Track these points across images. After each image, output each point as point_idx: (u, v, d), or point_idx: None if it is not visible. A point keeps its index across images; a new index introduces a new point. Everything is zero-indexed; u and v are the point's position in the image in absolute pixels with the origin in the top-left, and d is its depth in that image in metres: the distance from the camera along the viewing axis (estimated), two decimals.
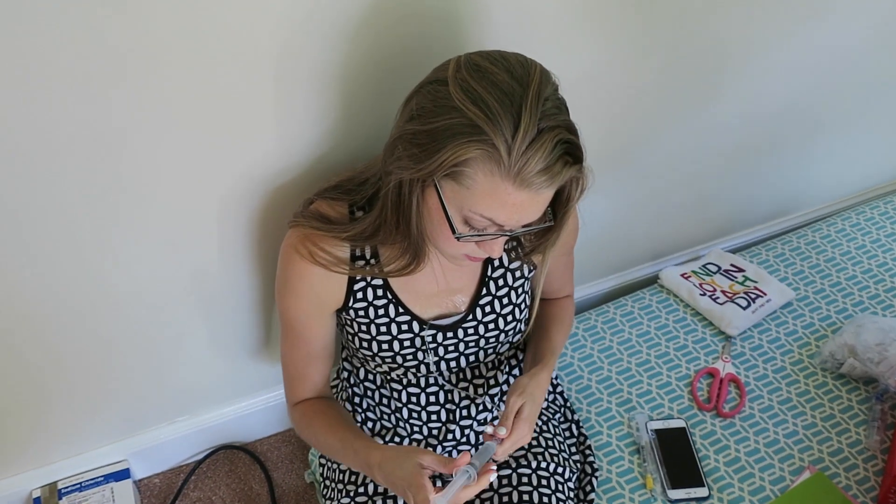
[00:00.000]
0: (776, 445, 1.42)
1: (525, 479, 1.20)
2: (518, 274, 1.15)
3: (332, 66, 1.06)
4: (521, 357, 1.30)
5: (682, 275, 1.72)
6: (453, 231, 0.91)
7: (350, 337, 1.16)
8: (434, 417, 1.25)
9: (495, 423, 1.06)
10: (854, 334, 1.51)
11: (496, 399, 1.27)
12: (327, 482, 1.28)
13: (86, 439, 1.46)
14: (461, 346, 1.16)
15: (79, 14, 0.88)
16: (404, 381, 1.21)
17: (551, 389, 1.39)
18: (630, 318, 1.65)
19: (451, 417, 1.25)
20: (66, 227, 1.10)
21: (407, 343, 1.13)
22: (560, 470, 1.24)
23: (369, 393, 1.28)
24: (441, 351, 1.16)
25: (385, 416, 1.27)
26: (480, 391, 1.26)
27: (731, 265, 1.75)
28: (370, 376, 1.26)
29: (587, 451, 1.37)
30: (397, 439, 1.26)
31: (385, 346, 1.13)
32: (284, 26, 0.99)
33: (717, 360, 1.56)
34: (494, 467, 0.98)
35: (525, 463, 1.22)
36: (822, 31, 1.49)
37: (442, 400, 1.24)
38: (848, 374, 1.51)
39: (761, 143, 1.68)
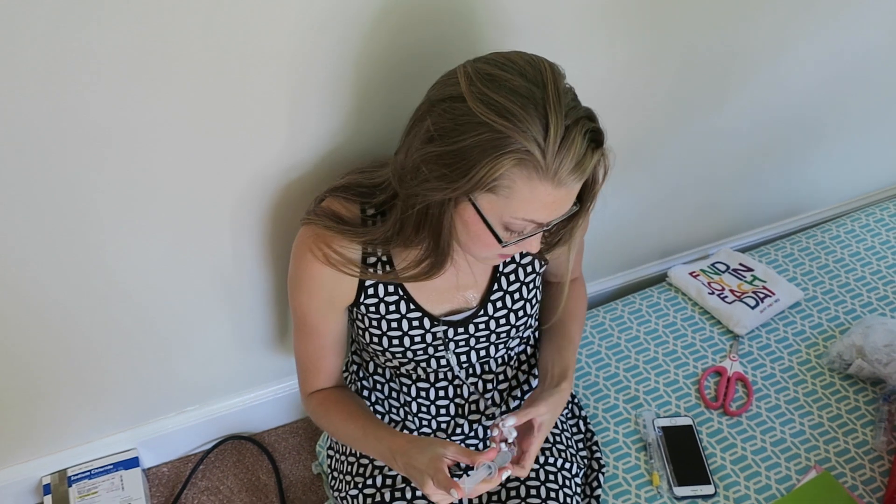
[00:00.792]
0: (783, 444, 1.42)
1: (532, 475, 1.21)
2: (529, 269, 1.16)
3: (345, 63, 1.07)
4: (530, 352, 1.30)
5: (691, 273, 1.72)
6: (499, 241, 0.93)
7: (361, 332, 1.16)
8: (443, 412, 1.25)
9: (503, 425, 1.06)
10: (862, 335, 1.51)
11: (505, 394, 1.28)
12: (335, 473, 1.29)
13: (95, 428, 1.47)
14: (472, 342, 1.17)
15: (93, 8, 0.89)
16: (414, 375, 1.22)
17: None
18: (638, 316, 1.65)
19: (459, 412, 1.26)
20: (84, 221, 1.11)
21: (418, 339, 1.14)
22: (567, 465, 1.25)
23: (378, 386, 1.28)
24: (452, 346, 1.16)
25: (394, 410, 1.28)
26: (490, 386, 1.26)
27: (740, 264, 1.75)
28: (379, 370, 1.27)
29: (594, 448, 1.38)
30: (406, 433, 1.27)
31: (396, 342, 1.14)
32: (301, 24, 1.00)
33: (724, 358, 1.56)
34: (510, 470, 1.00)
35: None
36: (830, 38, 1.49)
37: (451, 395, 1.24)
38: (856, 374, 1.51)
39: (771, 146, 1.68)
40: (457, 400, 1.25)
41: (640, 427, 1.45)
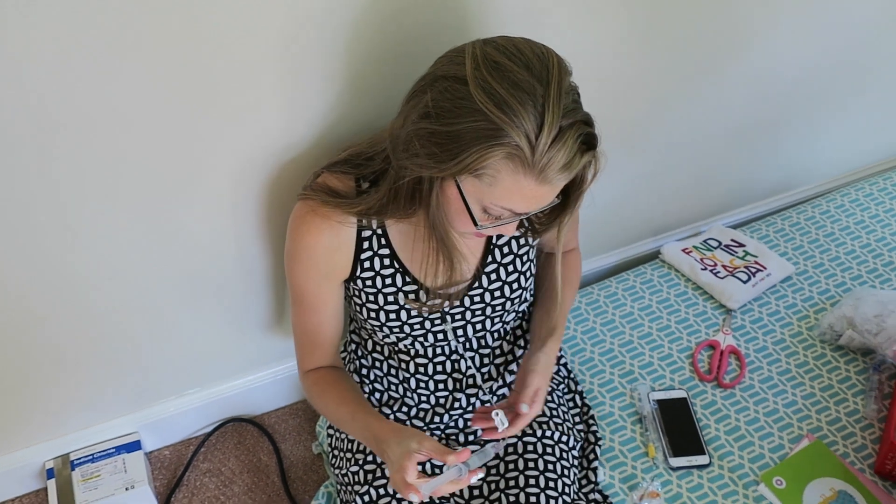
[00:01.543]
0: (775, 415, 1.45)
1: (530, 448, 1.23)
2: (522, 241, 1.17)
3: (337, 40, 1.07)
4: (525, 328, 1.32)
5: (684, 250, 1.74)
6: (475, 223, 0.95)
7: (358, 308, 1.18)
8: (441, 386, 1.27)
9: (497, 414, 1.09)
10: (853, 306, 1.53)
11: (501, 368, 1.30)
12: (336, 451, 1.31)
13: (97, 411, 1.49)
14: (467, 315, 1.19)
15: None
16: (412, 351, 1.24)
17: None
18: (632, 293, 1.67)
19: (457, 386, 1.27)
20: (78, 205, 1.12)
21: (414, 312, 1.15)
22: (564, 438, 1.27)
23: (377, 364, 1.30)
24: (448, 319, 1.18)
25: (392, 387, 1.30)
26: (486, 361, 1.28)
27: (732, 240, 1.77)
28: (378, 347, 1.28)
29: (590, 421, 1.40)
30: (405, 409, 1.29)
31: (393, 316, 1.15)
32: (293, 1, 1.01)
33: (717, 332, 1.58)
34: (483, 472, 1.01)
35: (530, 431, 1.25)
36: (825, 8, 1.50)
37: (449, 369, 1.26)
38: (846, 345, 1.53)
39: (762, 122, 1.69)
40: (454, 374, 1.27)
41: (635, 400, 1.47)
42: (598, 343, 1.57)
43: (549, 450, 1.23)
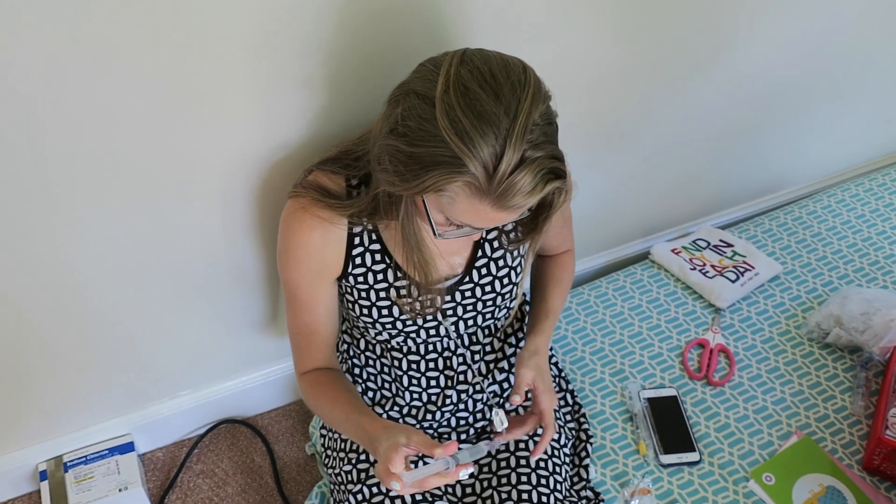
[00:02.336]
0: (765, 412, 1.46)
1: (522, 445, 1.24)
2: (513, 236, 1.18)
3: (321, 40, 1.08)
4: (517, 326, 1.33)
5: (673, 250, 1.75)
6: (434, 233, 0.98)
7: (350, 305, 1.19)
8: (433, 383, 1.28)
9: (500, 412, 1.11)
10: (840, 305, 1.55)
11: (492, 366, 1.31)
12: (329, 451, 1.32)
13: (90, 413, 1.49)
14: (459, 310, 1.20)
15: None
16: (404, 348, 1.25)
17: None
18: (622, 293, 1.68)
19: (448, 384, 1.28)
20: (68, 206, 1.13)
21: (406, 308, 1.16)
22: (556, 436, 1.28)
23: (370, 363, 1.31)
24: (439, 315, 1.19)
25: (385, 385, 1.30)
26: (477, 357, 1.29)
27: (721, 241, 1.78)
28: (370, 346, 1.29)
29: (582, 420, 1.41)
30: (397, 407, 1.29)
31: (385, 312, 1.16)
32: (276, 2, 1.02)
33: (706, 331, 1.60)
34: (472, 468, 1.01)
35: None
36: (809, 10, 1.52)
37: (441, 366, 1.27)
38: (834, 343, 1.55)
39: (749, 122, 1.71)
40: (446, 372, 1.28)
41: (626, 399, 1.48)
42: (588, 342, 1.59)
43: None
